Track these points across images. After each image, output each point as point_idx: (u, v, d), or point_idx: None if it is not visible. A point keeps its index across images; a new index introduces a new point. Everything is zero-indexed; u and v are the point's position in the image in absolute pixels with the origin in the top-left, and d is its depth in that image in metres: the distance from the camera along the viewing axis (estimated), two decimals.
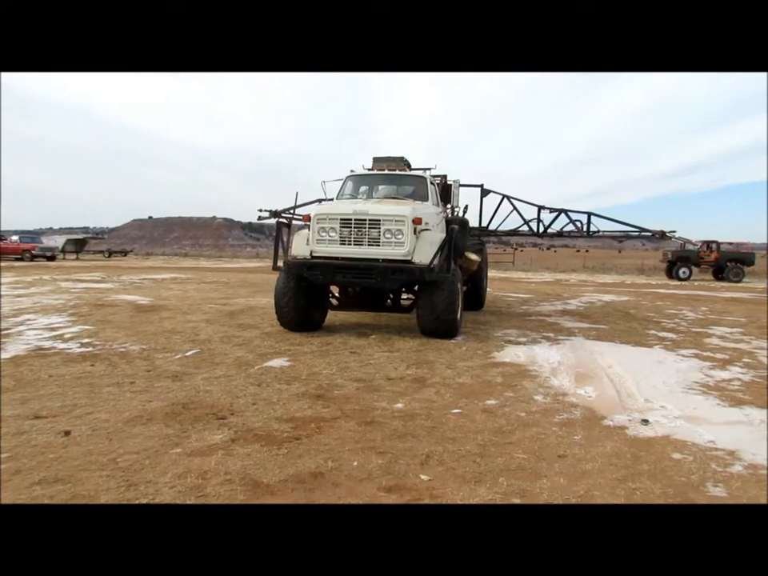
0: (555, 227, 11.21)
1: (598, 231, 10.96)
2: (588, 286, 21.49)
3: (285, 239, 8.05)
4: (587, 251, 50.94)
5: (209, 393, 4.57)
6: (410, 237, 7.04)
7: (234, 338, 7.12)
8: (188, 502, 2.65)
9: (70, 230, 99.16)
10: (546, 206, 11.07)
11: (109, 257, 42.75)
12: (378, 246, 7.11)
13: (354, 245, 7.17)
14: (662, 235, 10.27)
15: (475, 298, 10.85)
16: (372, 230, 7.11)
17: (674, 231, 10.16)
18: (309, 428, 3.79)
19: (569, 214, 10.87)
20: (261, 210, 8.77)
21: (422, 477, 3.05)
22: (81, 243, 38.98)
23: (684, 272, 27.67)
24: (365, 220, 7.12)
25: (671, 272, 28.44)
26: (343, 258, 7.18)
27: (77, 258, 36.48)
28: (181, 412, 4.04)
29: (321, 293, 7.82)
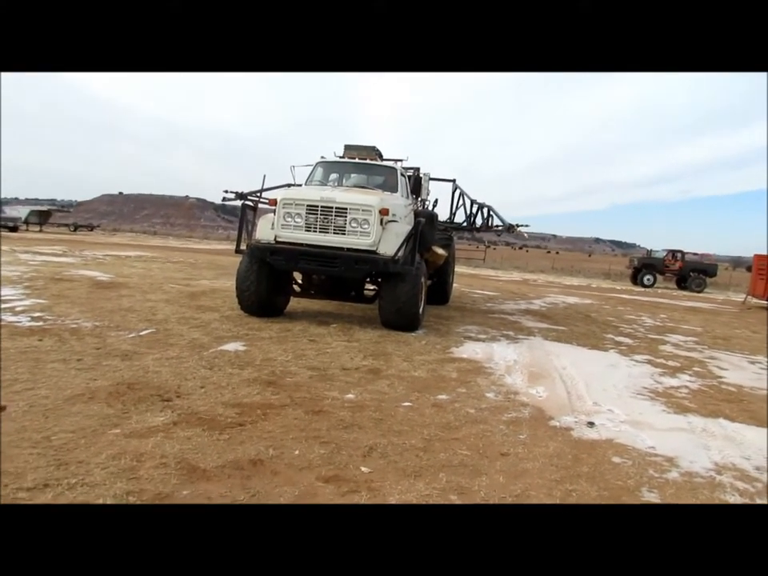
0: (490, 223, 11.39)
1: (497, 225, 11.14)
2: (554, 287, 21.78)
3: (250, 222, 7.91)
4: (557, 253, 51.70)
5: (157, 374, 4.47)
6: (375, 227, 6.99)
7: (191, 319, 6.98)
8: (161, 502, 2.58)
9: (36, 201, 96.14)
10: (477, 201, 11.38)
11: (74, 231, 41.61)
12: (344, 234, 7.05)
13: (320, 232, 7.09)
14: (508, 228, 10.43)
15: (440, 292, 10.88)
16: (338, 218, 7.04)
17: (527, 225, 10.30)
18: (255, 414, 3.73)
19: (482, 209, 11.20)
20: (226, 191, 8.57)
21: (363, 469, 3.03)
22: (45, 215, 37.81)
23: (648, 279, 28.29)
24: (331, 208, 7.05)
25: (636, 278, 29.03)
26: (308, 245, 7.09)
27: (40, 231, 35.36)
28: (125, 392, 3.93)
29: (284, 278, 7.72)
